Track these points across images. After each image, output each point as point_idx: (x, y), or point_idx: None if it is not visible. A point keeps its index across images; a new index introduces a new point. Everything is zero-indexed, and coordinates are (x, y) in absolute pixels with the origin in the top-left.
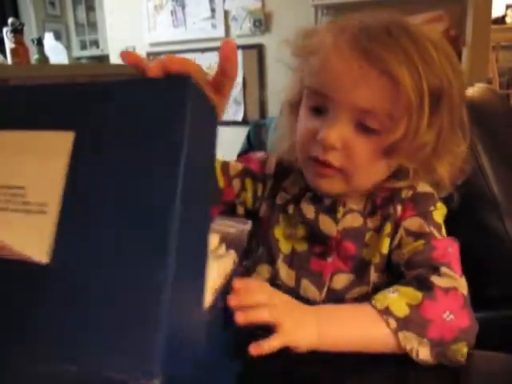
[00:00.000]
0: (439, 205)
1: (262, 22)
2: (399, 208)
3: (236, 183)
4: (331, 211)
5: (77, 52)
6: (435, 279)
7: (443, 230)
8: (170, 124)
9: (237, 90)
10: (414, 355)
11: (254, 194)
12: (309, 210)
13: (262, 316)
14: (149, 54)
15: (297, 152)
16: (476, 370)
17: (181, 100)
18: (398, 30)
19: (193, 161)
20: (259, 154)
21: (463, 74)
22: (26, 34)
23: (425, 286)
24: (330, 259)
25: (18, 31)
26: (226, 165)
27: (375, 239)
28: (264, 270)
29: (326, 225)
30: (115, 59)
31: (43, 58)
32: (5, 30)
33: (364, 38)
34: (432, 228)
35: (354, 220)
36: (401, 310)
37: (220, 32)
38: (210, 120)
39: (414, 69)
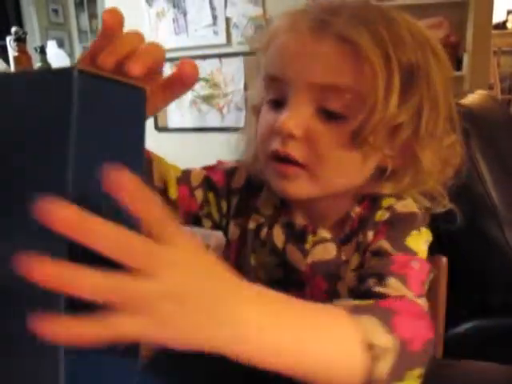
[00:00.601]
0: (424, 230)
1: (264, 29)
2: (370, 234)
3: (199, 194)
4: (300, 241)
5: None
6: (376, 288)
7: (420, 256)
8: (55, 122)
9: (238, 97)
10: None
11: (218, 209)
12: (279, 238)
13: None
14: None
15: (259, 154)
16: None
17: (65, 95)
18: (370, 9)
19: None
20: (228, 164)
21: (449, 69)
22: (29, 42)
23: (366, 296)
24: (307, 290)
25: (20, 40)
26: (186, 174)
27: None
28: None
29: (294, 257)
30: None
31: (46, 66)
32: (8, 38)
33: (324, 13)
34: (397, 252)
35: (325, 251)
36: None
37: (221, 39)
38: (127, 105)
39: (380, 38)
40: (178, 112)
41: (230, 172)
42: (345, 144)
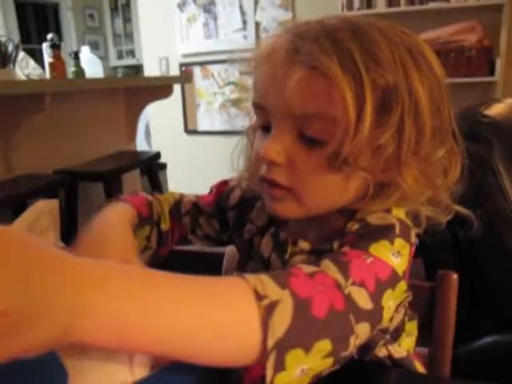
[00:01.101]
0: (399, 243)
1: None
2: (335, 244)
3: (186, 221)
4: (281, 251)
5: (114, 61)
6: (301, 266)
7: (385, 259)
8: None
9: None
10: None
11: (212, 228)
12: (266, 248)
13: None
14: (181, 65)
15: (254, 176)
16: None
17: None
18: (345, 31)
19: None
20: (223, 187)
21: (441, 74)
22: (67, 45)
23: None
24: None
25: (55, 46)
26: (177, 204)
27: None
28: None
29: (276, 266)
30: (149, 69)
31: (79, 71)
32: (44, 45)
33: (298, 39)
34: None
35: (302, 262)
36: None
37: (251, 43)
38: None
39: (351, 62)
40: (208, 115)
41: (223, 194)
42: (325, 167)
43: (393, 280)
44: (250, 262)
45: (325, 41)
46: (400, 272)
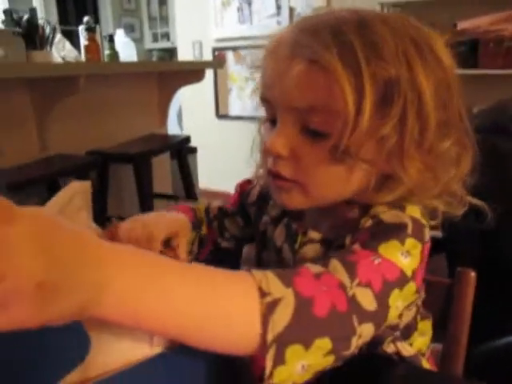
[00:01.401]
0: (410, 242)
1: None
2: (348, 239)
3: (215, 225)
4: (292, 240)
5: (149, 44)
6: (308, 266)
7: (393, 260)
8: None
9: None
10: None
11: (236, 226)
12: (279, 237)
13: None
14: (214, 49)
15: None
16: None
17: None
18: (349, 23)
19: None
20: (245, 187)
21: (450, 67)
22: (103, 27)
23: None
24: None
25: (91, 29)
26: (207, 211)
27: None
28: None
29: (287, 255)
30: (183, 53)
31: (114, 53)
32: (80, 27)
33: (301, 34)
34: (367, 250)
35: (312, 251)
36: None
37: None
38: None
39: (351, 55)
40: (239, 101)
41: (245, 193)
42: (328, 159)
43: (401, 281)
44: (264, 251)
45: (326, 34)
46: (409, 273)
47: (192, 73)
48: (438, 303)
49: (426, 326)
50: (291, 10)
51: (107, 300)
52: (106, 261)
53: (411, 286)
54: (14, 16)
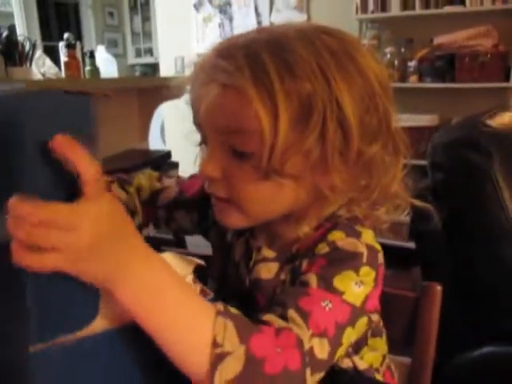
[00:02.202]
0: (364, 271)
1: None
2: (305, 263)
3: (161, 214)
4: (247, 257)
5: (132, 59)
6: (270, 318)
7: (344, 297)
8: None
9: None
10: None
11: (189, 223)
12: (238, 252)
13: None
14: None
15: None
16: None
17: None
18: (262, 42)
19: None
20: None
21: (374, 74)
22: (86, 42)
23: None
24: (253, 304)
25: (70, 46)
26: (154, 196)
27: None
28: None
29: (243, 272)
30: (165, 68)
31: (94, 69)
32: (60, 44)
33: (218, 57)
34: (321, 288)
35: (266, 270)
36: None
37: None
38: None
39: (264, 75)
40: None
41: None
42: (256, 177)
43: (352, 319)
44: (229, 264)
45: (240, 56)
46: (359, 303)
47: (171, 89)
48: (404, 317)
49: (377, 343)
50: (271, 25)
51: (120, 282)
52: (136, 257)
53: (363, 320)
54: None
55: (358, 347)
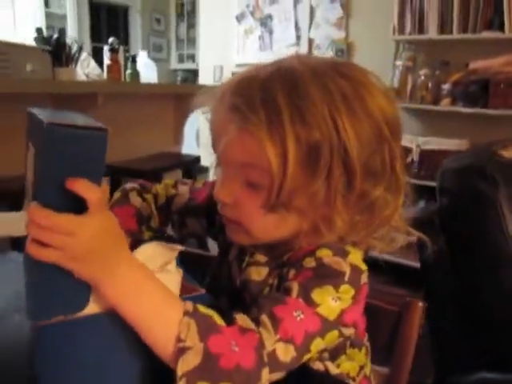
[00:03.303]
0: (343, 288)
1: (344, 52)
2: (292, 272)
3: (174, 218)
4: (240, 259)
5: (174, 64)
6: (240, 318)
7: (317, 310)
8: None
9: None
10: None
11: (201, 226)
12: (233, 253)
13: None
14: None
15: None
16: None
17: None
18: (279, 83)
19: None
20: None
21: (383, 116)
22: (132, 46)
23: (230, 321)
24: (240, 304)
25: (114, 50)
26: (169, 201)
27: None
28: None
29: (235, 272)
30: (204, 76)
31: (135, 73)
32: (105, 48)
33: (235, 96)
34: (301, 299)
35: (257, 273)
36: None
37: None
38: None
39: (277, 118)
40: None
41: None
42: (264, 208)
43: (322, 330)
44: (224, 262)
45: (257, 97)
46: (332, 318)
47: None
48: (386, 328)
49: (355, 354)
50: (310, 41)
51: (104, 283)
52: (122, 262)
53: (334, 333)
54: (45, 34)
55: (335, 354)
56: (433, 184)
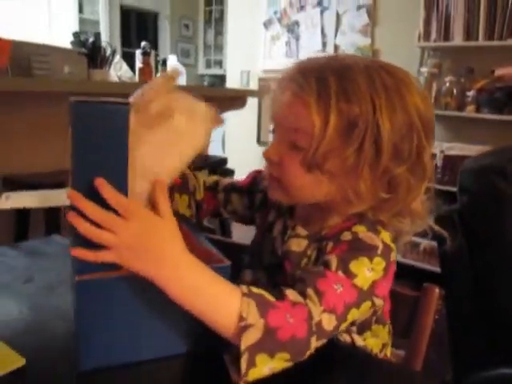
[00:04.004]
0: (376, 260)
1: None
2: (330, 245)
3: (220, 196)
4: (283, 233)
5: (202, 70)
6: (290, 293)
7: (354, 281)
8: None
9: None
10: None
11: (242, 204)
12: (276, 229)
13: (104, 240)
14: (261, 79)
15: None
16: None
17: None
18: (332, 69)
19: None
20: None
21: (417, 113)
22: (160, 50)
23: (280, 295)
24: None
25: (146, 54)
26: (216, 182)
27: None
28: (247, 274)
29: (278, 244)
30: (231, 80)
31: None
32: (137, 51)
33: (297, 74)
34: (340, 271)
35: (297, 245)
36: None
37: None
38: (113, 120)
39: (326, 93)
40: None
41: (259, 178)
42: (303, 168)
43: (358, 301)
44: (265, 239)
45: (312, 75)
46: (366, 287)
47: (234, 99)
48: (404, 313)
49: (380, 331)
50: (336, 47)
51: (161, 279)
52: (175, 255)
53: (367, 304)
54: (81, 38)
55: (362, 329)
56: (456, 190)
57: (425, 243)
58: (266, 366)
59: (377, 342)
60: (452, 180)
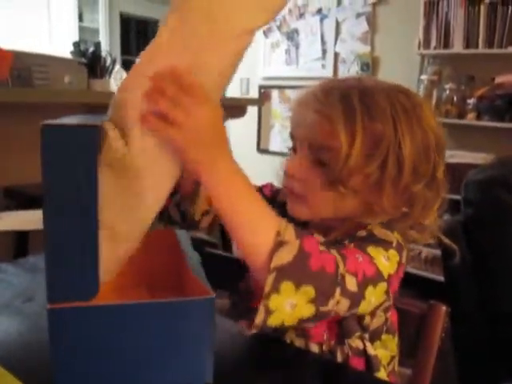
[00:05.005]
0: (391, 252)
1: (370, 66)
2: (346, 242)
3: None
4: None
5: None
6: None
7: (374, 260)
8: None
9: None
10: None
11: None
12: None
13: (168, 135)
14: (260, 87)
15: None
16: None
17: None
18: (356, 90)
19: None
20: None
21: (433, 132)
22: None
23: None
24: None
25: None
26: None
27: None
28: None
29: None
30: (231, 88)
31: None
32: (136, 60)
33: (320, 92)
34: (356, 248)
35: None
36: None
37: (328, 72)
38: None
39: (351, 113)
40: (280, 136)
41: (275, 190)
42: (327, 185)
43: (375, 278)
44: None
45: (337, 96)
46: (385, 273)
47: (235, 108)
48: (410, 331)
49: (389, 341)
50: (336, 55)
51: (211, 170)
52: (226, 152)
53: (383, 286)
54: (81, 47)
55: (372, 338)
56: (457, 197)
57: (426, 251)
58: (289, 299)
59: (386, 353)
60: (454, 187)
